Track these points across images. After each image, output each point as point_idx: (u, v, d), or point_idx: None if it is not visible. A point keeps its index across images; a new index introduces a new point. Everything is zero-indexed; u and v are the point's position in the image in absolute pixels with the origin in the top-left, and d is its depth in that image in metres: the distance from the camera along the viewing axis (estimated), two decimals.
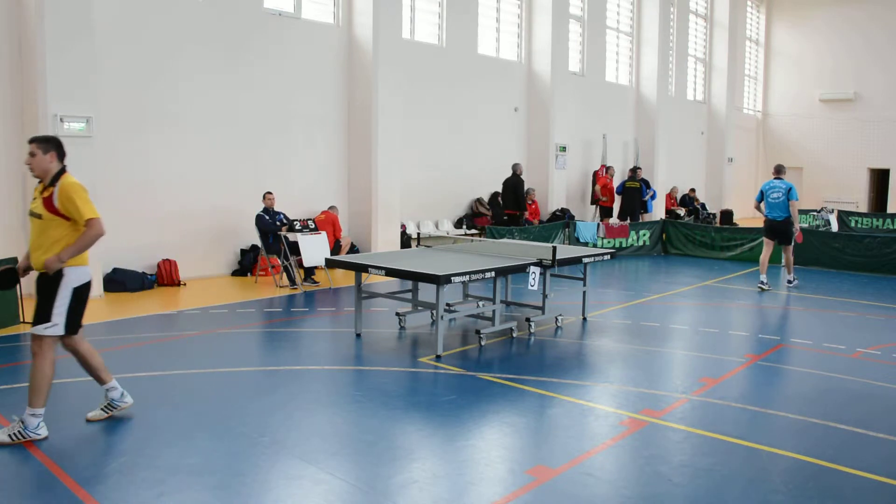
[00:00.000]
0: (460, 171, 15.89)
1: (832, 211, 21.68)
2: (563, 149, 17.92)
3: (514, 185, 15.19)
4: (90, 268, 4.93)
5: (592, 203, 18.84)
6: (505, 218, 15.32)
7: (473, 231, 15.59)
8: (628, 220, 16.40)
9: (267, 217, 10.78)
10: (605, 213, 17.97)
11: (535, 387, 5.92)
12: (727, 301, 10.34)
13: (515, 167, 15.38)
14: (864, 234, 16.33)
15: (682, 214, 21.21)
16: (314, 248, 10.55)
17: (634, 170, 18.08)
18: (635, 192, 17.31)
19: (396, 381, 6.14)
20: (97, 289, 9.62)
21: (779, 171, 11.38)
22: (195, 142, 11.19)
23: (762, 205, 11.28)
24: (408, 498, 3.92)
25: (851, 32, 27.56)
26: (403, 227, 14.22)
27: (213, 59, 11.32)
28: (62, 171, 4.91)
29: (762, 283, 10.96)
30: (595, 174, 19.00)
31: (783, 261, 11.58)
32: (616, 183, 18.20)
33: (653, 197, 18.61)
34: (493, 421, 5.19)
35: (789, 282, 11.33)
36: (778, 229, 11.12)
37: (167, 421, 5.01)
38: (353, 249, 12.55)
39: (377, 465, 4.35)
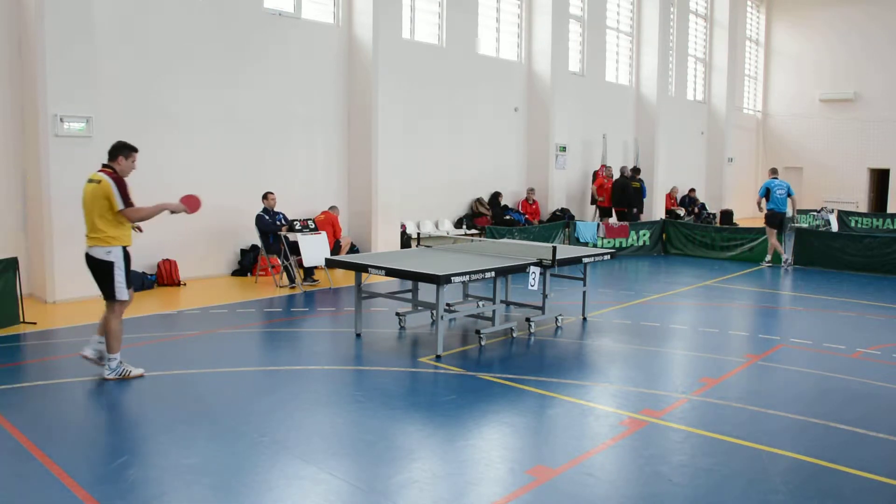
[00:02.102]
0: (460, 170, 15.89)
1: (832, 211, 21.67)
2: (563, 149, 17.92)
3: (622, 185, 17.10)
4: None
5: (592, 203, 18.85)
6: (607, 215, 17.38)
7: (473, 231, 15.58)
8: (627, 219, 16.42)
9: (267, 217, 10.78)
10: (604, 212, 17.96)
11: (535, 387, 5.92)
12: (727, 301, 10.34)
13: (623, 170, 17.50)
14: (864, 234, 16.33)
15: (682, 214, 21.21)
16: (314, 248, 10.55)
17: (632, 170, 18.12)
18: (635, 192, 17.33)
19: (396, 381, 6.14)
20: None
21: (775, 171, 14.27)
22: (195, 142, 11.19)
23: (764, 200, 13.59)
24: (408, 498, 3.92)
25: (851, 32, 27.55)
26: (403, 227, 14.22)
27: (213, 59, 11.32)
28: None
29: (786, 260, 13.67)
30: (595, 174, 19.01)
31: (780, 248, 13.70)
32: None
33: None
34: (493, 421, 5.19)
35: (787, 262, 13.63)
36: (783, 219, 13.51)
37: (167, 421, 5.01)
38: (353, 249, 12.55)
39: (377, 465, 4.35)
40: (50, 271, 9.14)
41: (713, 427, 5.06)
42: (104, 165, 6.11)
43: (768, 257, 13.89)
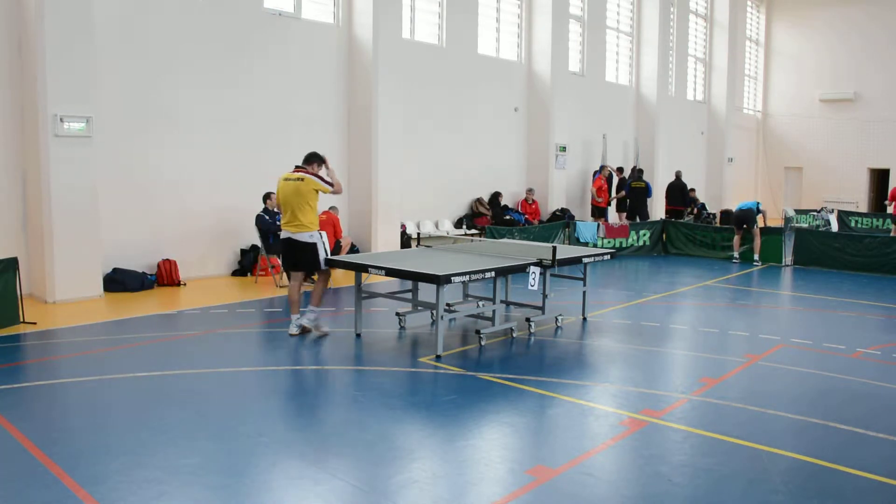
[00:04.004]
0: (460, 170, 15.89)
1: (832, 211, 21.68)
2: (563, 149, 17.92)
3: (678, 187, 19.38)
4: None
5: (592, 203, 18.84)
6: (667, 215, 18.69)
7: (473, 231, 15.58)
8: (637, 219, 16.43)
9: (267, 217, 10.78)
10: (599, 213, 17.92)
11: (535, 387, 5.92)
12: (727, 301, 10.34)
13: (678, 174, 19.61)
14: (864, 234, 16.32)
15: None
16: None
17: (640, 171, 18.18)
18: (641, 193, 17.38)
19: (396, 381, 6.14)
20: (97, 289, 9.62)
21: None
22: (195, 142, 11.19)
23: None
24: (408, 498, 3.92)
25: (851, 32, 27.54)
26: (403, 227, 14.21)
27: (213, 59, 11.32)
28: None
29: (736, 257, 14.50)
30: (594, 174, 19.00)
31: (755, 246, 14.35)
32: (616, 183, 18.24)
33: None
34: (493, 421, 5.19)
35: (756, 261, 14.20)
36: (744, 217, 14.29)
37: (167, 421, 5.01)
38: (354, 249, 12.54)
39: (377, 465, 4.35)
40: (50, 271, 9.14)
41: (713, 427, 5.06)
42: (297, 167, 7.47)
43: (735, 254, 14.56)
